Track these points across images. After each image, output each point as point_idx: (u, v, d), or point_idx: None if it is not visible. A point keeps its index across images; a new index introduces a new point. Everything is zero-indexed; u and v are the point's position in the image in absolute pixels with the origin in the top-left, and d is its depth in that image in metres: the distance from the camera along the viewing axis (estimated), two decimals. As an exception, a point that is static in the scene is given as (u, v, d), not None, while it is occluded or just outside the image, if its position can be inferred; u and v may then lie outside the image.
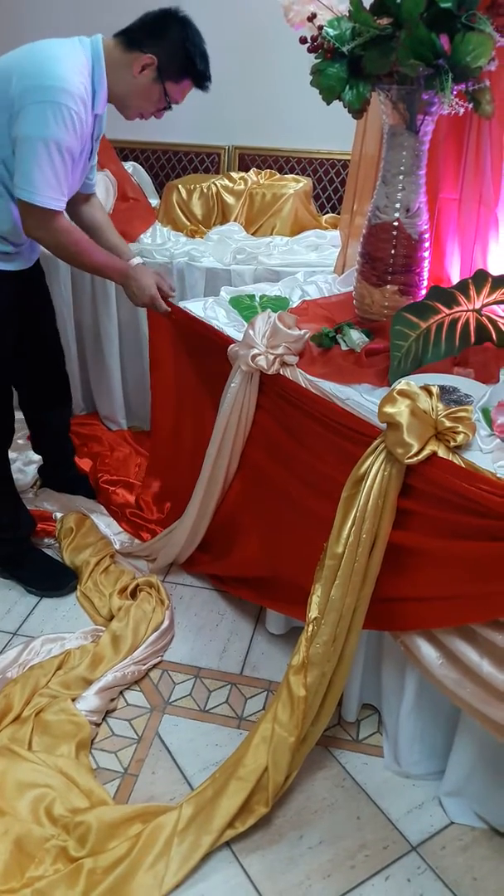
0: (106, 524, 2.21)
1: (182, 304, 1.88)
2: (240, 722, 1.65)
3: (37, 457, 2.44)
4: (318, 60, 1.45)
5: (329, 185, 3.26)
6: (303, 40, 1.46)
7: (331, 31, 1.42)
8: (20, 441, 2.63)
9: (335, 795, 1.49)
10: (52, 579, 2.03)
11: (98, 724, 1.62)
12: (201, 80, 1.69)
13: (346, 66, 1.43)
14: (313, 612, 1.37)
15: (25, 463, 2.47)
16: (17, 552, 2.06)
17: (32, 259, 1.87)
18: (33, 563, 2.06)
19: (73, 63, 1.54)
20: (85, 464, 2.50)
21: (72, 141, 1.55)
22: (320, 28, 1.44)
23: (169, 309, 1.85)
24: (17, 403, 2.10)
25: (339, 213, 2.97)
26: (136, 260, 1.93)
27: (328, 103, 1.47)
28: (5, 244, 1.71)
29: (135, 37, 1.63)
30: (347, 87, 1.44)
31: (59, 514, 2.26)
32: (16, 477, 2.41)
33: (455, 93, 1.35)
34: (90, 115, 1.61)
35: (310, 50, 1.46)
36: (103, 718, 1.64)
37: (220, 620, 1.94)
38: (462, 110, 1.38)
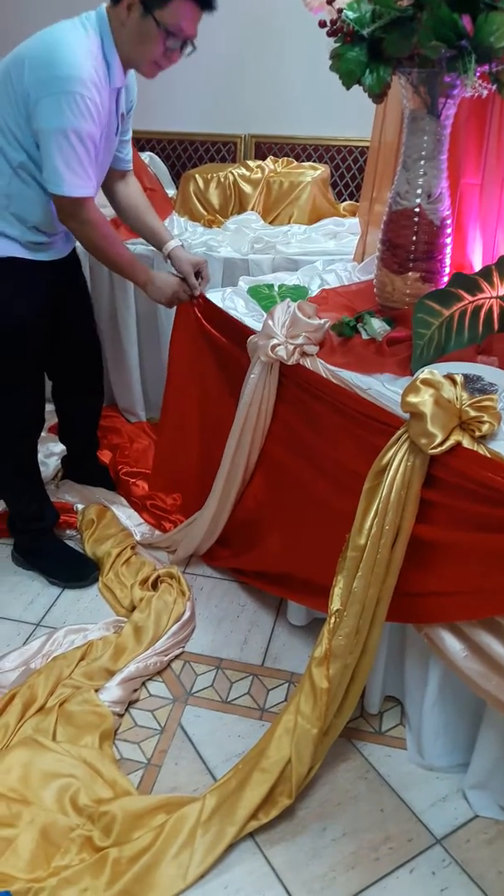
0: (127, 515, 2.21)
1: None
2: (262, 713, 1.65)
3: (59, 448, 2.44)
4: (338, 44, 1.43)
5: (346, 172, 3.23)
6: (322, 24, 1.44)
7: (350, 14, 1.39)
8: (42, 434, 2.64)
9: (358, 787, 1.48)
10: (75, 570, 2.04)
11: (121, 715, 1.62)
12: None
13: (366, 50, 1.41)
14: (336, 604, 1.37)
15: (47, 455, 2.48)
16: (40, 543, 2.07)
17: (66, 249, 1.86)
18: (56, 555, 2.07)
19: (81, 45, 1.52)
20: (104, 455, 2.50)
21: (90, 127, 1.54)
22: (339, 11, 1.41)
23: (196, 294, 1.87)
24: (50, 394, 2.10)
25: (357, 201, 2.94)
26: (175, 243, 1.91)
27: (348, 88, 1.45)
28: (38, 234, 1.70)
29: None
30: (368, 71, 1.42)
31: (80, 506, 2.27)
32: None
33: (478, 74, 1.33)
34: (107, 94, 1.59)
35: (329, 34, 1.43)
36: (126, 709, 1.64)
37: (240, 611, 1.94)
38: (486, 92, 1.35)
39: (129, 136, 1.86)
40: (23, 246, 1.69)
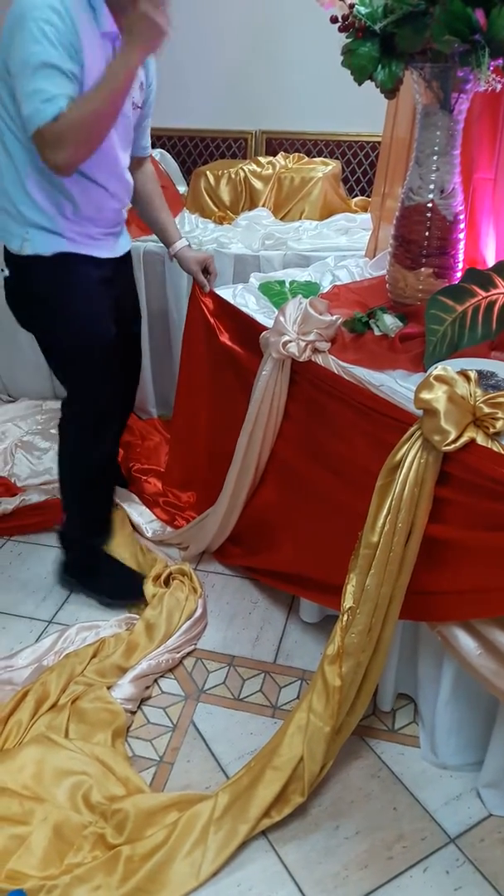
0: (139, 513, 2.22)
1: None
2: (274, 711, 1.64)
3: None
4: (350, 40, 1.42)
5: (358, 167, 3.22)
6: (333, 20, 1.43)
7: (362, 9, 1.38)
8: (52, 430, 2.65)
9: (371, 786, 1.48)
10: (130, 587, 1.94)
11: (133, 713, 1.63)
12: None
13: (378, 45, 1.40)
14: (348, 602, 1.36)
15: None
16: (95, 561, 1.99)
17: (115, 248, 1.76)
18: (111, 572, 1.98)
19: None
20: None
21: (50, 52, 1.35)
22: (351, 6, 1.41)
23: (205, 291, 1.86)
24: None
25: (368, 196, 2.93)
26: (182, 243, 1.90)
27: (360, 83, 1.44)
28: (94, 226, 1.63)
29: None
30: (380, 67, 1.41)
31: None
32: (48, 466, 2.44)
33: (491, 69, 1.31)
34: (95, 39, 1.44)
35: (341, 29, 1.42)
36: (138, 706, 1.65)
37: (252, 608, 1.94)
38: (499, 86, 1.34)
39: (149, 121, 1.79)
40: (69, 240, 1.60)
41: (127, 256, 1.84)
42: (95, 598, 1.95)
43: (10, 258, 1.63)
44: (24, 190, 1.55)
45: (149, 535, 2.15)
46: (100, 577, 1.96)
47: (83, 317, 1.68)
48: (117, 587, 1.95)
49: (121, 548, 2.08)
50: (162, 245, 1.99)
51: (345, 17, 1.41)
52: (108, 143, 1.55)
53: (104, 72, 1.42)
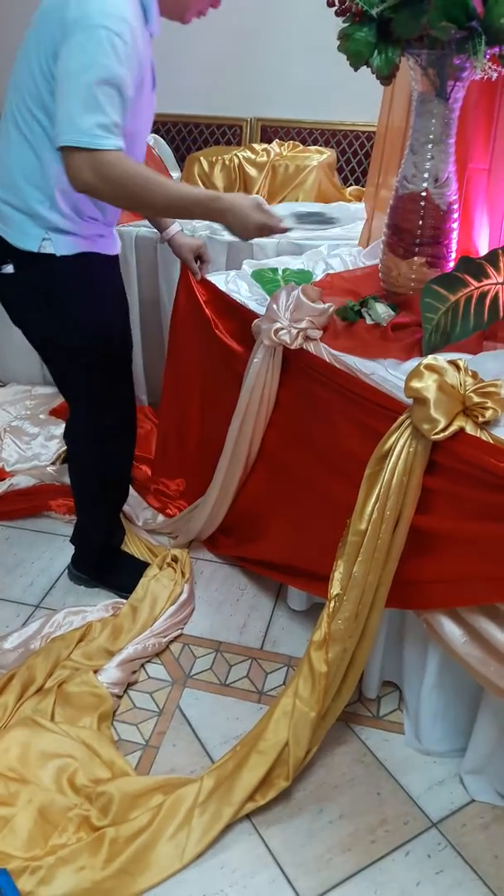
0: (131, 499, 2.21)
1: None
2: (260, 696, 1.65)
3: (59, 430, 2.44)
4: (346, 24, 1.41)
5: (353, 157, 3.21)
6: (330, 3, 1.41)
7: (359, -7, 1.37)
8: (41, 416, 2.64)
9: (355, 771, 1.49)
10: (138, 577, 1.93)
11: (119, 697, 1.63)
12: None
13: (374, 30, 1.38)
14: (335, 589, 1.37)
15: (48, 438, 2.48)
16: (113, 559, 1.98)
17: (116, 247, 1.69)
18: (126, 567, 1.97)
19: None
20: (105, 439, 2.50)
21: (118, 69, 1.29)
22: (348, -10, 1.39)
23: (197, 278, 1.85)
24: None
25: (363, 186, 2.92)
26: (176, 228, 1.87)
27: (356, 69, 1.43)
28: (97, 224, 1.56)
29: None
30: (376, 52, 1.39)
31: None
32: (37, 451, 2.43)
33: (488, 56, 1.31)
34: (144, 40, 1.39)
35: (337, 13, 1.41)
36: (125, 691, 1.65)
37: (240, 595, 1.94)
38: (495, 75, 1.33)
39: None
40: (85, 239, 1.54)
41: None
42: (113, 592, 1.94)
43: (20, 254, 1.52)
44: (50, 195, 1.46)
45: (139, 523, 2.15)
46: (115, 572, 1.95)
47: (107, 314, 1.64)
48: (133, 580, 1.91)
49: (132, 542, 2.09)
50: (155, 230, 1.97)
51: (341, 1, 1.40)
52: (139, 141, 1.51)
53: (189, 189, 1.46)
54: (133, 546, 2.06)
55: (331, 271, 1.92)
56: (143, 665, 1.72)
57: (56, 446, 2.45)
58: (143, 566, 1.97)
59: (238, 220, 1.47)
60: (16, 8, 2.77)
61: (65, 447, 2.40)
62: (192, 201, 1.43)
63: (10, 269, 1.55)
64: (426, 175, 1.53)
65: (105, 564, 1.96)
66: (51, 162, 1.42)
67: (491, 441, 1.17)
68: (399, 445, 1.25)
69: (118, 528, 2.03)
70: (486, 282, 1.42)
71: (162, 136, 3.27)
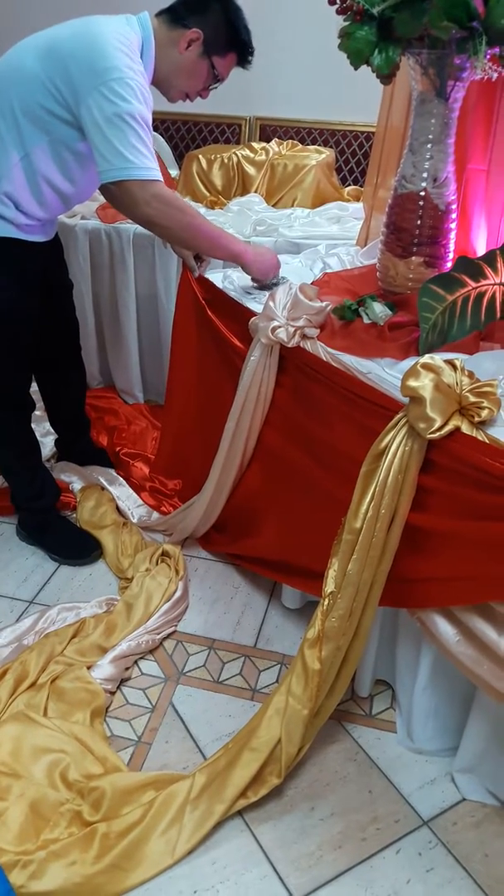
0: (126, 496, 2.21)
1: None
2: (253, 694, 1.65)
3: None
4: (347, 23, 1.41)
5: (352, 157, 3.21)
6: (331, 2, 1.42)
7: (361, -8, 1.37)
8: (38, 412, 2.63)
9: (347, 769, 1.49)
10: (77, 548, 2.05)
11: (113, 693, 1.63)
12: (246, 51, 1.69)
13: (375, 29, 1.38)
14: (329, 587, 1.37)
15: (43, 434, 2.47)
16: (43, 520, 2.08)
17: (53, 231, 1.84)
18: (58, 531, 2.08)
19: (125, 42, 1.51)
20: (102, 437, 2.50)
21: (144, 111, 1.50)
22: (349, -12, 1.39)
23: (195, 276, 1.86)
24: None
25: (361, 186, 2.92)
26: None
27: (356, 68, 1.43)
28: (29, 218, 1.66)
29: (177, 14, 1.62)
30: (377, 51, 1.40)
31: (77, 486, 2.26)
32: (32, 447, 2.41)
33: (488, 57, 1.31)
34: (147, 83, 1.58)
35: (338, 12, 1.41)
36: (118, 687, 1.65)
37: (234, 593, 1.94)
38: (496, 75, 1.34)
39: None
40: (17, 227, 1.66)
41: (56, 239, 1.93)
42: (47, 555, 2.06)
43: None
44: (15, 192, 1.60)
45: (134, 520, 2.15)
46: (47, 535, 2.07)
47: (12, 301, 1.72)
48: (63, 547, 2.05)
49: (104, 532, 2.10)
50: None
51: (343, 0, 1.40)
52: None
53: (226, 235, 1.71)
54: (108, 537, 2.09)
55: (328, 270, 1.92)
56: (136, 662, 1.72)
57: (52, 443, 2.45)
58: (80, 535, 2.07)
59: (263, 275, 1.77)
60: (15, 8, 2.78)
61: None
62: (225, 241, 1.70)
63: None
64: (425, 175, 1.53)
65: (39, 526, 2.07)
66: (43, 161, 1.58)
67: (486, 441, 1.18)
68: (395, 444, 1.26)
69: (42, 494, 2.06)
70: (483, 282, 1.43)
71: (161, 134, 3.27)
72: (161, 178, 1.55)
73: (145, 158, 1.50)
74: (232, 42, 1.66)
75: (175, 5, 1.64)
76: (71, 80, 1.48)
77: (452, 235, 1.59)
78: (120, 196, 1.55)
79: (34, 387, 2.71)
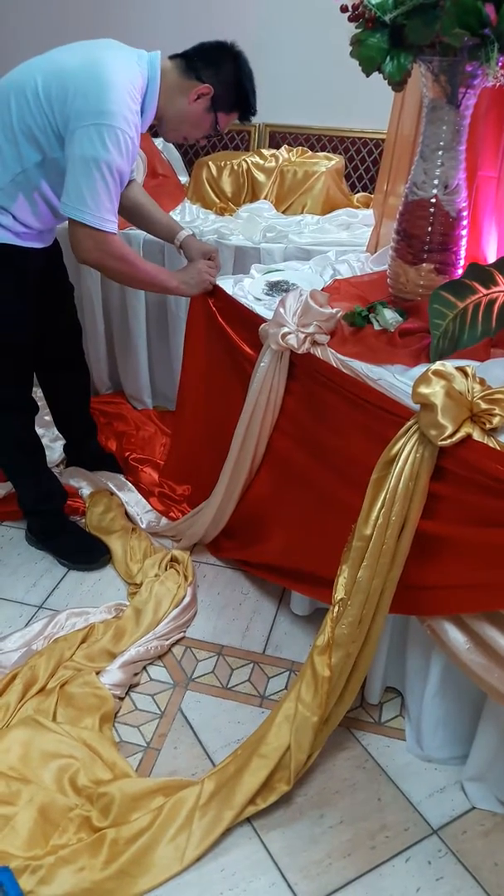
0: (135, 501, 2.22)
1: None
2: (262, 700, 1.65)
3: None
4: (359, 30, 1.42)
5: (361, 164, 3.21)
6: (343, 9, 1.42)
7: (373, 0, 1.38)
8: (46, 417, 2.64)
9: (356, 776, 1.49)
10: (85, 553, 2.05)
11: (121, 698, 1.63)
12: (249, 112, 1.74)
13: (387, 37, 1.39)
14: (339, 593, 1.36)
15: (52, 439, 2.48)
16: (51, 524, 2.08)
17: (52, 238, 1.85)
18: (67, 536, 2.09)
19: (130, 85, 1.53)
20: (111, 443, 2.50)
21: (123, 164, 1.55)
22: (361, -4, 1.40)
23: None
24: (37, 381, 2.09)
25: (370, 193, 2.93)
26: (185, 233, 1.93)
27: (368, 75, 1.44)
28: (27, 227, 1.69)
29: (192, 64, 1.64)
30: (388, 58, 1.40)
31: (85, 491, 2.27)
32: (42, 452, 2.42)
33: (500, 64, 1.31)
34: (138, 136, 1.61)
35: (350, 19, 1.42)
36: (126, 693, 1.65)
37: (243, 599, 1.94)
38: (507, 83, 1.34)
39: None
40: (15, 235, 1.67)
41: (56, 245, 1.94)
42: (56, 560, 2.06)
43: None
44: (12, 204, 1.63)
45: (143, 526, 2.15)
46: (55, 540, 2.07)
47: (8, 303, 1.73)
48: (71, 551, 2.06)
49: (112, 536, 2.10)
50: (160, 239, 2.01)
51: (355, 7, 1.41)
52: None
53: (160, 271, 1.80)
54: (117, 542, 2.09)
55: (339, 277, 1.92)
56: (145, 667, 1.72)
57: (61, 448, 2.46)
58: (90, 541, 2.08)
59: (195, 282, 1.83)
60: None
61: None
62: (160, 279, 1.79)
63: None
64: (436, 182, 1.53)
65: (48, 531, 2.08)
66: (41, 183, 1.62)
67: (498, 448, 1.18)
68: (406, 451, 1.25)
69: (49, 497, 2.07)
70: (494, 289, 1.43)
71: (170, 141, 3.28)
72: (115, 231, 1.60)
73: (104, 209, 1.55)
74: (238, 104, 1.71)
75: (191, 53, 1.66)
76: (68, 110, 1.51)
77: (463, 242, 1.59)
78: (70, 232, 1.61)
79: (38, 392, 2.72)
